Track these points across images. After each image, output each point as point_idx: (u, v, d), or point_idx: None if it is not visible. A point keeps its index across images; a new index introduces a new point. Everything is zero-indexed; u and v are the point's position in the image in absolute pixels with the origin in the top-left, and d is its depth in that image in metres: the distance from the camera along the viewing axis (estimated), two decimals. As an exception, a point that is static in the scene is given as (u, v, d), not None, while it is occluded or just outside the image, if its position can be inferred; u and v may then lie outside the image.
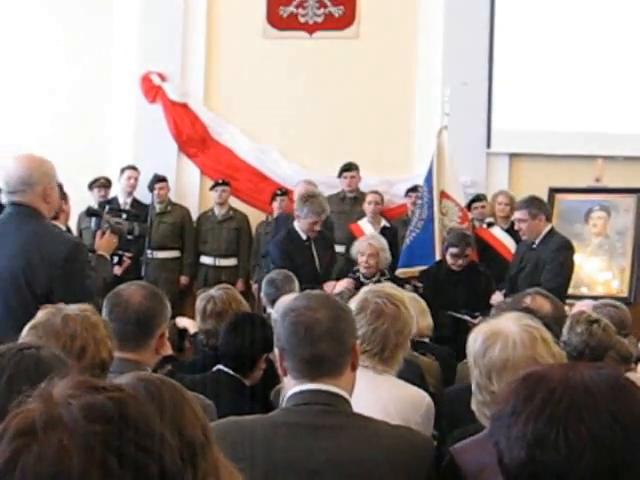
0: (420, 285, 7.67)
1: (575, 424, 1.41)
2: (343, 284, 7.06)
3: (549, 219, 7.24)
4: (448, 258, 7.58)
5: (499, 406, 1.54)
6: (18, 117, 9.63)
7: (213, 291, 5.25)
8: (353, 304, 3.44)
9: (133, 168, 9.02)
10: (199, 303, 5.16)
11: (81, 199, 7.81)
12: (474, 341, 2.61)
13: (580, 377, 1.47)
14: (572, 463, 1.39)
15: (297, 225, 7.16)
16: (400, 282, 7.34)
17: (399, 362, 3.46)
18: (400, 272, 8.19)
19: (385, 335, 3.37)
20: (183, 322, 5.47)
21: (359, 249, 7.38)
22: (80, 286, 4.22)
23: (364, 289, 3.63)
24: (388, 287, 3.77)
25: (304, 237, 7.12)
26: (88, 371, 2.67)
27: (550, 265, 6.84)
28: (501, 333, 2.56)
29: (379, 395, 3.23)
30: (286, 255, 6.97)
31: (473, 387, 2.62)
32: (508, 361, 2.50)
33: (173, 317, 3.68)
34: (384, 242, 7.70)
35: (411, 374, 3.66)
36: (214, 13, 9.75)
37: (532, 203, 7.13)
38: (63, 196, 6.15)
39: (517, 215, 7.25)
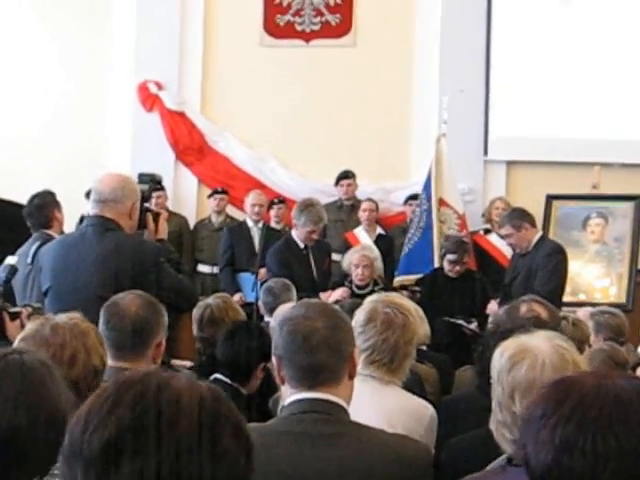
0: (418, 289, 7.66)
1: (603, 432, 1.40)
2: (339, 293, 7.06)
3: (535, 226, 7.26)
4: (445, 264, 7.61)
5: (529, 409, 1.54)
6: (14, 126, 9.62)
7: (210, 300, 5.26)
8: (361, 314, 3.44)
9: None
10: (196, 311, 5.16)
11: (78, 208, 7.79)
12: (500, 355, 2.46)
13: (612, 386, 1.47)
14: (597, 470, 1.39)
15: (295, 233, 7.17)
16: (395, 290, 7.36)
17: (406, 372, 3.48)
18: (399, 280, 8.20)
19: (395, 345, 3.38)
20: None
21: (352, 261, 7.37)
22: (176, 277, 4.43)
23: (371, 298, 3.63)
24: (395, 296, 3.77)
25: (301, 246, 7.12)
26: (80, 379, 2.67)
27: (543, 271, 6.86)
28: (530, 351, 2.42)
29: (383, 406, 3.23)
30: (284, 264, 6.97)
31: (493, 405, 2.47)
32: (535, 382, 2.31)
33: (171, 326, 3.68)
34: (376, 251, 7.72)
35: (410, 382, 3.66)
36: (211, 22, 9.75)
37: (512, 216, 7.19)
38: (56, 204, 6.15)
39: (502, 232, 7.36)
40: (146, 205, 4.67)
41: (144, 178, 4.83)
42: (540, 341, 2.47)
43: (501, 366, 2.44)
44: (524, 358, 2.41)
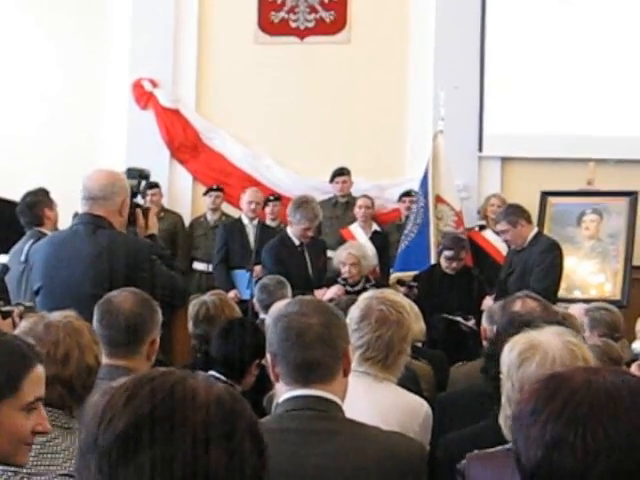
0: (415, 285, 7.66)
1: (594, 427, 1.40)
2: (333, 291, 7.06)
3: (531, 222, 7.27)
4: (442, 261, 7.62)
5: (520, 406, 1.54)
6: (12, 125, 9.61)
7: (206, 297, 5.25)
8: (356, 311, 3.44)
9: None
10: (191, 308, 5.16)
11: (74, 205, 7.78)
12: (510, 350, 2.47)
13: (602, 381, 1.47)
14: (588, 466, 1.39)
15: (290, 231, 7.16)
16: (390, 286, 7.36)
17: (400, 368, 3.48)
18: (395, 276, 8.20)
19: (389, 342, 3.38)
20: None
21: (340, 259, 7.37)
22: (168, 274, 4.39)
23: (366, 295, 3.63)
24: (390, 293, 3.76)
25: (297, 243, 7.11)
26: (74, 377, 2.67)
27: (538, 267, 6.88)
28: (540, 347, 2.42)
29: (378, 402, 3.23)
30: (279, 261, 6.97)
31: (503, 400, 2.49)
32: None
33: (166, 324, 3.67)
34: (365, 249, 7.72)
35: (406, 379, 3.66)
36: (205, 19, 9.74)
37: (508, 212, 7.20)
38: (48, 203, 6.13)
39: (498, 228, 7.37)
40: (135, 200, 4.64)
41: (133, 173, 4.77)
42: (550, 337, 2.47)
43: (510, 361, 2.45)
44: (534, 354, 2.41)
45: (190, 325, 5.15)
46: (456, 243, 7.66)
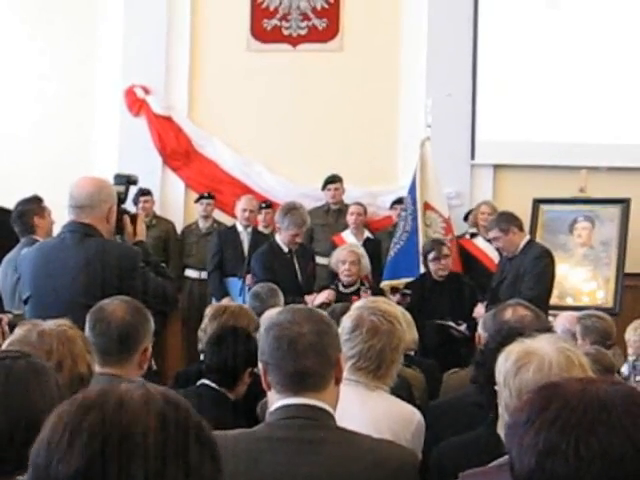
0: (409, 292, 7.66)
1: (587, 436, 1.40)
2: (323, 296, 7.06)
3: (523, 229, 7.27)
4: (431, 266, 7.63)
5: (514, 415, 1.55)
6: (2, 131, 9.59)
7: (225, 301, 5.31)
8: (348, 321, 3.43)
9: None
10: (209, 310, 5.22)
11: (66, 213, 7.77)
12: (505, 360, 2.46)
13: (595, 391, 1.47)
14: (581, 474, 1.39)
15: (278, 237, 7.18)
16: (383, 293, 7.36)
17: (393, 377, 3.47)
18: (385, 284, 8.19)
19: (381, 353, 3.37)
20: None
21: (339, 257, 7.36)
22: (158, 281, 4.40)
23: (357, 305, 3.62)
24: (382, 302, 3.76)
25: (285, 249, 7.12)
26: (66, 386, 2.66)
27: (530, 274, 6.87)
28: (536, 354, 2.41)
29: (370, 411, 3.23)
30: (267, 268, 6.97)
31: (500, 409, 2.49)
32: (543, 382, 2.31)
33: (158, 332, 3.66)
34: (363, 250, 7.74)
35: (399, 387, 3.66)
36: (198, 26, 9.74)
37: (500, 219, 7.20)
38: (38, 211, 6.10)
39: (490, 235, 7.36)
40: (123, 207, 4.61)
41: (120, 179, 4.72)
42: (545, 344, 2.46)
43: (507, 370, 2.44)
44: (531, 360, 2.40)
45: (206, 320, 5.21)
46: (434, 243, 7.75)
